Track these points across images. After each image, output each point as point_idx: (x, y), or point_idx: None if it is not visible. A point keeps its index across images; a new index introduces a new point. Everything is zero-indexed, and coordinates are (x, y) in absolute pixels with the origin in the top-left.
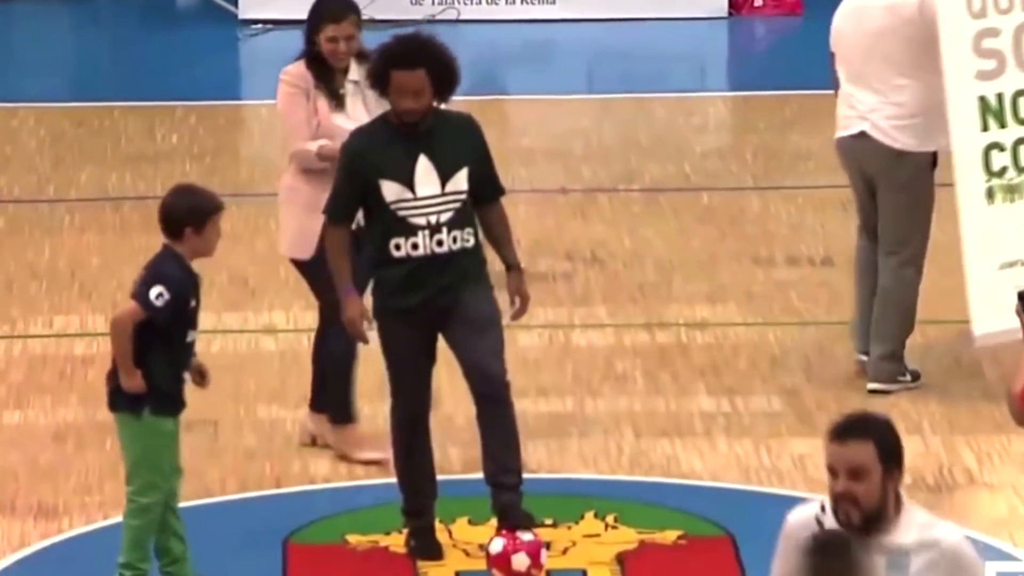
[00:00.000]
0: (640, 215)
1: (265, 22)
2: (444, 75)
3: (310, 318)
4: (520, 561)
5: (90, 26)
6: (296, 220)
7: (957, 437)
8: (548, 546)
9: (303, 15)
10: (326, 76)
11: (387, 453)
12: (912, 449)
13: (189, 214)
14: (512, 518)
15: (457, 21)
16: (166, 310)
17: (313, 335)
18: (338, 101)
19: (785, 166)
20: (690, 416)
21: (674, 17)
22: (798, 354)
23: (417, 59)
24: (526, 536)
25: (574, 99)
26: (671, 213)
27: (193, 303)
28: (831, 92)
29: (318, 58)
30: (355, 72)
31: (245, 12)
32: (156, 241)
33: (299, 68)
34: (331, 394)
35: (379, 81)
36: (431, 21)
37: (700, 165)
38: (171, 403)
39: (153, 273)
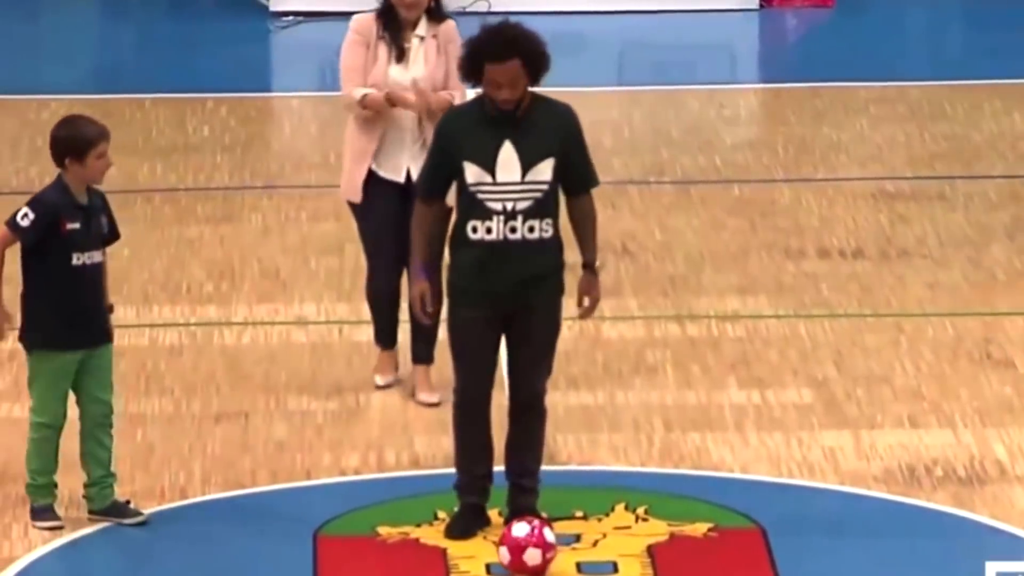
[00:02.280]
0: (670, 207)
1: (296, 14)
2: (537, 63)
3: (341, 310)
4: (532, 556)
5: (120, 17)
6: (347, 164)
7: (989, 430)
8: (579, 538)
9: (333, 7)
10: (392, 27)
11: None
12: (943, 442)
13: (68, 145)
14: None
15: (488, 13)
16: (30, 230)
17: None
18: (399, 53)
19: (816, 158)
20: (720, 408)
21: (705, 9)
22: (829, 346)
23: (511, 51)
24: (550, 537)
25: (604, 91)
26: (701, 205)
27: (76, 225)
28: (860, 84)
29: (390, 9)
30: (423, 28)
31: (276, 4)
32: (188, 232)
33: (367, 18)
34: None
35: (472, 74)
36: (462, 13)
37: (731, 157)
38: (59, 337)
39: (29, 199)
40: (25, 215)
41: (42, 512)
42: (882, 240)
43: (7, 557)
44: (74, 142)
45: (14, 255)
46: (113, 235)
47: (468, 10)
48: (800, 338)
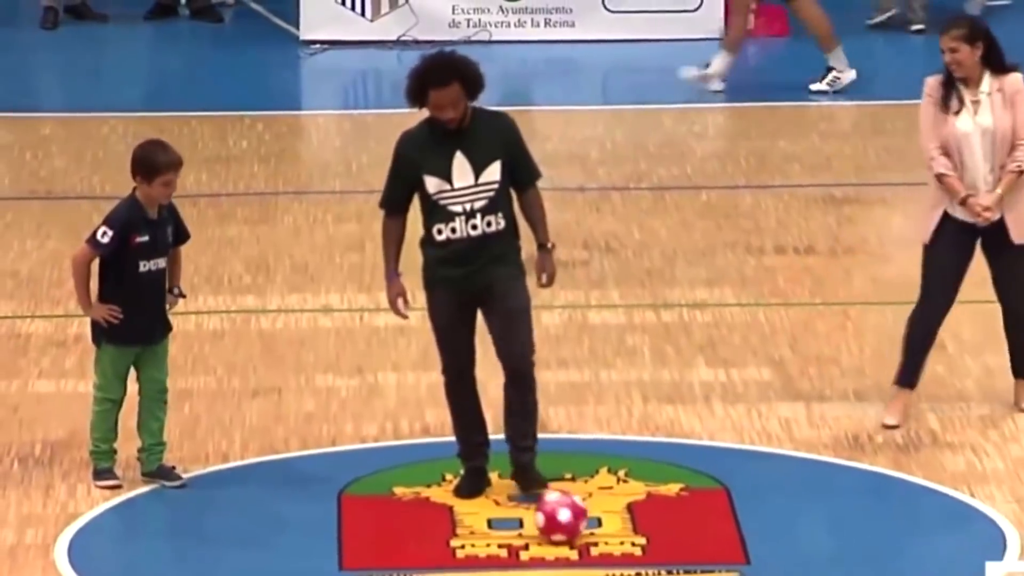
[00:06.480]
0: (648, 210)
1: (323, 42)
2: (473, 83)
3: (362, 299)
4: (564, 515)
5: (171, 47)
6: (923, 209)
7: (923, 404)
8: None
9: (358, 36)
10: (951, 83)
11: None
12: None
13: (140, 165)
14: (529, 472)
15: (489, 42)
16: (110, 245)
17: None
18: (960, 108)
19: (773, 168)
20: (691, 385)
21: (677, 38)
22: (785, 331)
23: (451, 76)
24: (580, 503)
25: (591, 110)
26: (675, 208)
27: (144, 238)
28: (812, 104)
29: (947, 66)
30: (987, 83)
31: (305, 33)
32: (229, 232)
33: (936, 79)
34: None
35: (418, 98)
36: (467, 42)
37: (700, 167)
38: (123, 334)
39: (106, 216)
40: (104, 232)
41: (103, 473)
42: (831, 239)
43: (73, 512)
44: (146, 164)
45: None
46: (182, 237)
47: (472, 39)
48: (760, 324)
